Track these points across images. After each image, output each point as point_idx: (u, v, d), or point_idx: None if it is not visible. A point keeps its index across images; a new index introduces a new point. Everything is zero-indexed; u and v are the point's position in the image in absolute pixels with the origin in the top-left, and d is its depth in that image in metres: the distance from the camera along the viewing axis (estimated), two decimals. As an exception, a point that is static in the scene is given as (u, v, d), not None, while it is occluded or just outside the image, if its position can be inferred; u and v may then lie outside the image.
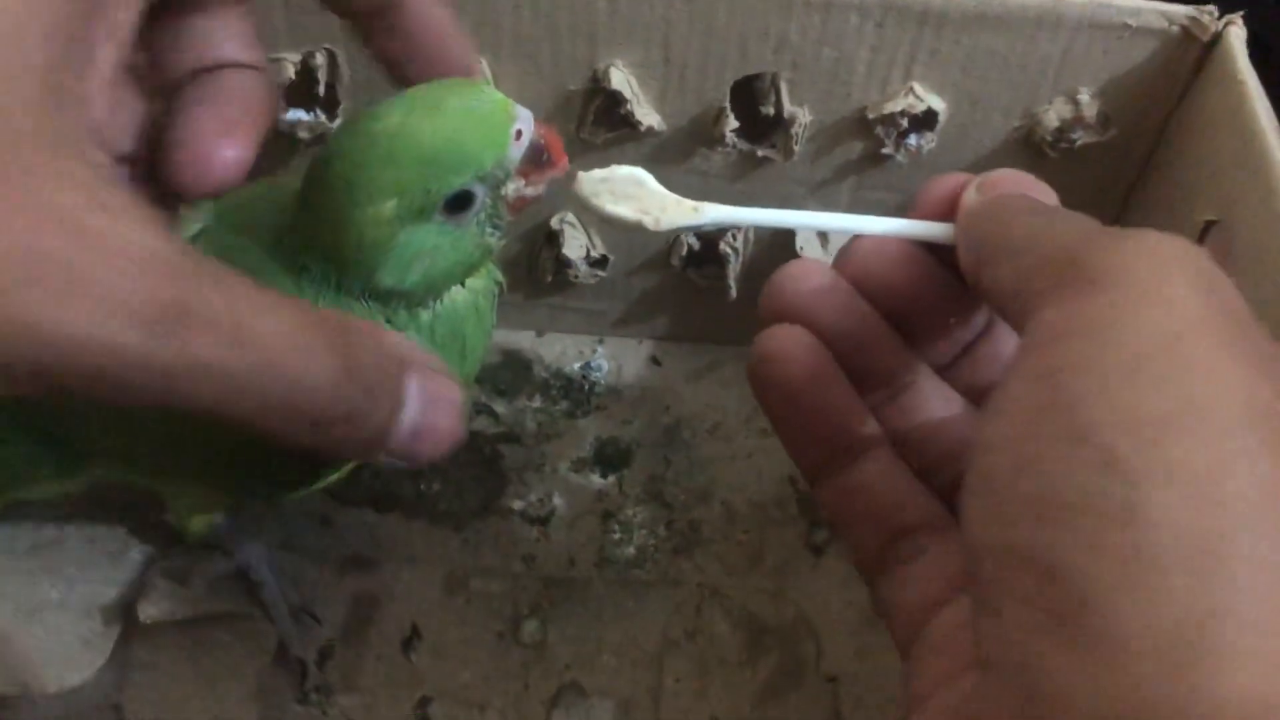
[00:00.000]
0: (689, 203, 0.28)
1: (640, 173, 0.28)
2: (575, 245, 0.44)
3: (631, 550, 0.42)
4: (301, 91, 0.39)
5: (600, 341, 0.48)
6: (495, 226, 0.29)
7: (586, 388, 0.47)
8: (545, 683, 0.40)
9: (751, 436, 0.45)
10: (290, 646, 0.39)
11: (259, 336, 0.20)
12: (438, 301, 0.31)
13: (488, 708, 0.39)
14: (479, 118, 0.28)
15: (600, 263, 0.45)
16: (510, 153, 0.28)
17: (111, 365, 0.18)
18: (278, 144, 0.40)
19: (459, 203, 0.28)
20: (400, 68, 0.29)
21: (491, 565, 0.42)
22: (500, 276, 0.34)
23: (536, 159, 0.29)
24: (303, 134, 0.40)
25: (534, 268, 0.45)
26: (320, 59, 0.38)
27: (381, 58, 0.29)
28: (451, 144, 0.27)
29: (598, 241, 0.44)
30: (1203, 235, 0.35)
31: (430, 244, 0.28)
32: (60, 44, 0.19)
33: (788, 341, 0.26)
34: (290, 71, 0.38)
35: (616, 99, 0.39)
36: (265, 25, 0.38)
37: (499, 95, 0.28)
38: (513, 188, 0.29)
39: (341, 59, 0.39)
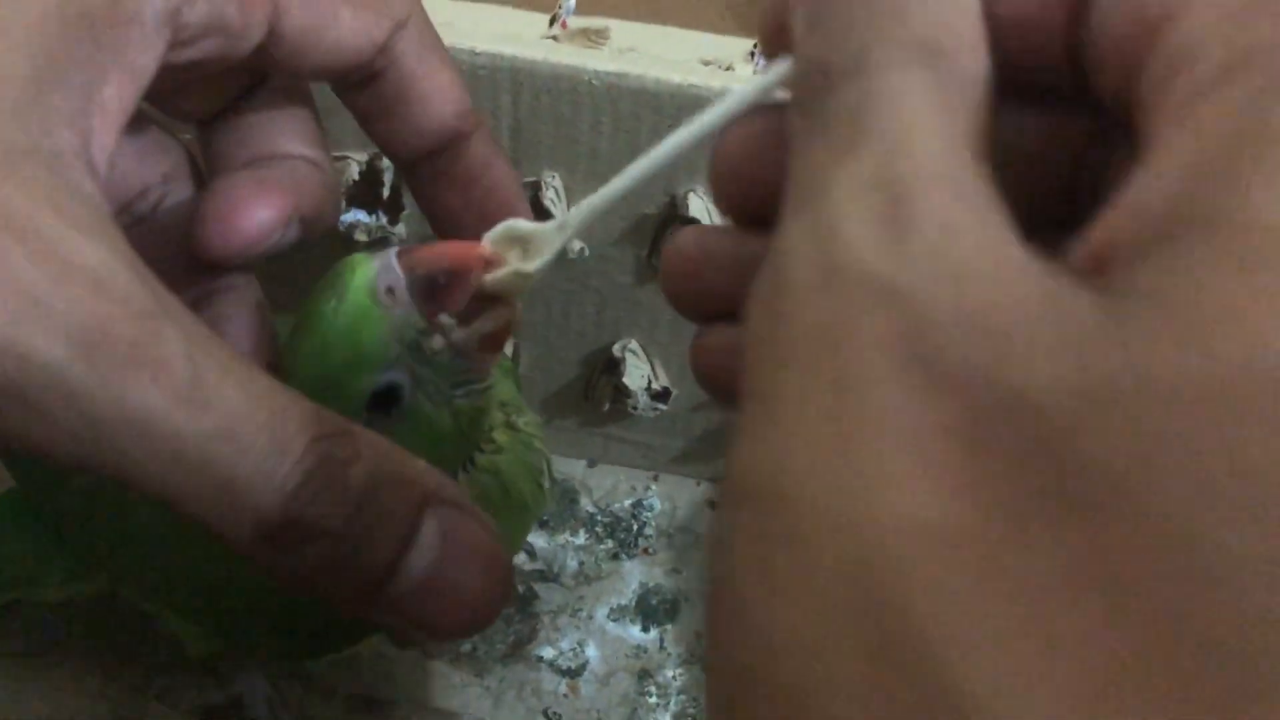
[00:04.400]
0: (555, 221, 0.23)
1: (510, 224, 0.23)
2: (637, 375, 0.41)
3: (667, 718, 0.38)
4: (365, 193, 0.37)
5: (655, 478, 0.45)
6: (464, 384, 0.25)
7: (635, 528, 0.43)
8: None
9: (811, 600, 0.41)
10: (283, 791, 0.35)
11: (223, 399, 0.17)
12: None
13: None
14: (338, 316, 0.23)
15: (662, 395, 0.42)
16: (393, 320, 0.23)
17: (28, 382, 0.16)
18: (336, 245, 0.39)
19: (384, 401, 0.24)
20: (450, 224, 0.26)
21: None
22: (538, 443, 0.31)
23: (433, 292, 0.23)
24: (360, 236, 0.38)
25: (591, 394, 0.42)
26: (387, 161, 0.37)
27: (431, 211, 0.27)
28: (327, 362, 0.23)
29: (661, 373, 0.41)
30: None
31: None
32: (55, 63, 0.18)
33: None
34: (355, 172, 0.37)
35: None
36: (333, 124, 0.36)
37: (356, 268, 0.23)
38: (441, 338, 0.23)
39: (408, 163, 0.37)
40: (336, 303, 0.23)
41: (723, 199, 0.20)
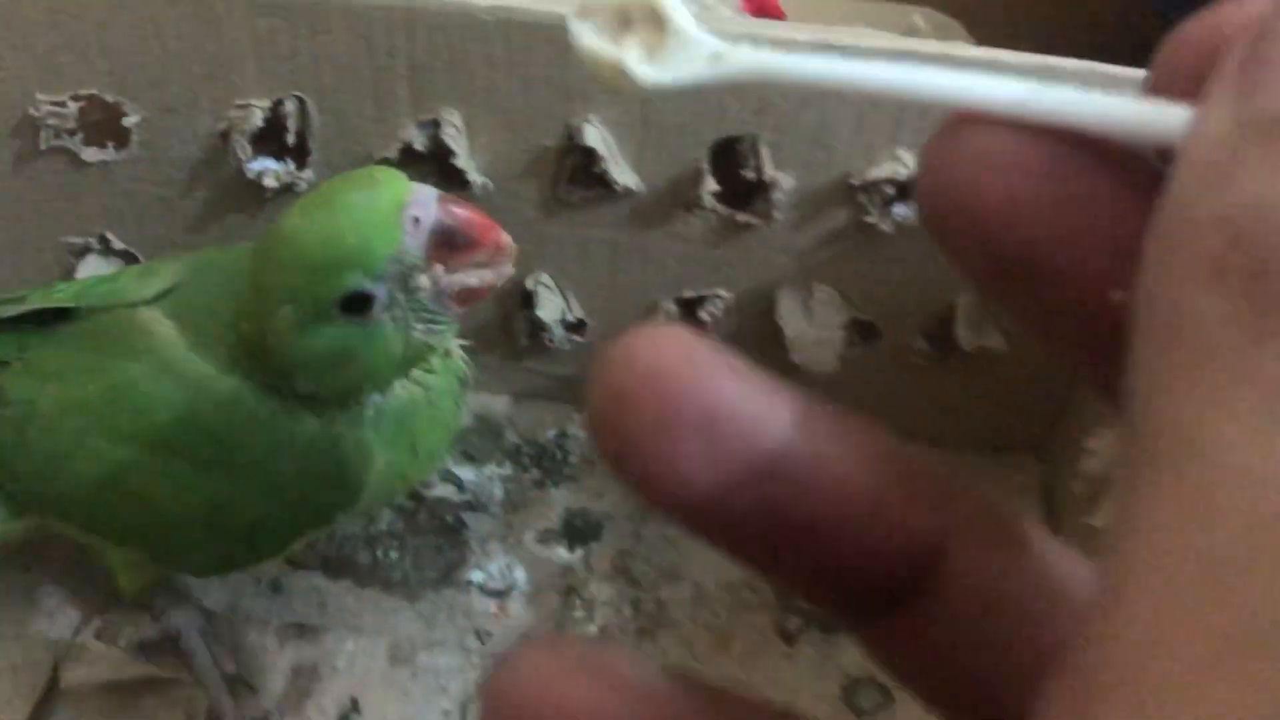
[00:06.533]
0: (711, 42, 0.13)
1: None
2: (551, 308, 0.42)
3: (593, 629, 0.40)
4: (271, 140, 0.38)
5: (577, 410, 0.46)
6: (427, 321, 0.27)
7: (560, 457, 0.45)
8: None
9: (728, 514, 0.43)
10: (223, 717, 0.37)
11: None
12: (382, 397, 0.29)
13: (429, 794, 0.36)
14: (361, 212, 0.25)
15: (577, 327, 0.43)
16: (405, 244, 0.26)
17: None
18: (245, 194, 0.39)
19: (355, 304, 0.26)
20: None
21: (443, 639, 0.39)
22: (465, 370, 0.33)
23: (448, 243, 0.26)
24: (270, 183, 0.39)
25: (509, 330, 0.44)
26: (290, 106, 0.38)
27: None
28: (331, 244, 0.25)
29: (574, 305, 0.43)
30: None
31: (337, 347, 0.26)
32: None
33: None
34: (258, 118, 0.37)
35: (592, 156, 0.37)
36: (233, 71, 0.37)
37: (394, 183, 0.26)
38: (429, 279, 0.26)
39: (312, 106, 0.38)
40: (364, 201, 0.26)
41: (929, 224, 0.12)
